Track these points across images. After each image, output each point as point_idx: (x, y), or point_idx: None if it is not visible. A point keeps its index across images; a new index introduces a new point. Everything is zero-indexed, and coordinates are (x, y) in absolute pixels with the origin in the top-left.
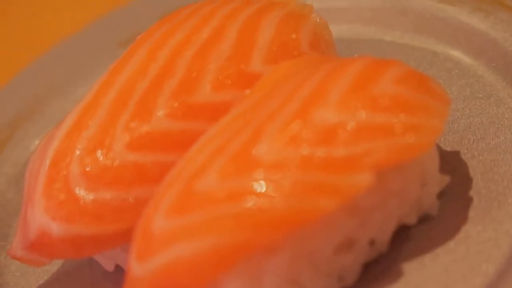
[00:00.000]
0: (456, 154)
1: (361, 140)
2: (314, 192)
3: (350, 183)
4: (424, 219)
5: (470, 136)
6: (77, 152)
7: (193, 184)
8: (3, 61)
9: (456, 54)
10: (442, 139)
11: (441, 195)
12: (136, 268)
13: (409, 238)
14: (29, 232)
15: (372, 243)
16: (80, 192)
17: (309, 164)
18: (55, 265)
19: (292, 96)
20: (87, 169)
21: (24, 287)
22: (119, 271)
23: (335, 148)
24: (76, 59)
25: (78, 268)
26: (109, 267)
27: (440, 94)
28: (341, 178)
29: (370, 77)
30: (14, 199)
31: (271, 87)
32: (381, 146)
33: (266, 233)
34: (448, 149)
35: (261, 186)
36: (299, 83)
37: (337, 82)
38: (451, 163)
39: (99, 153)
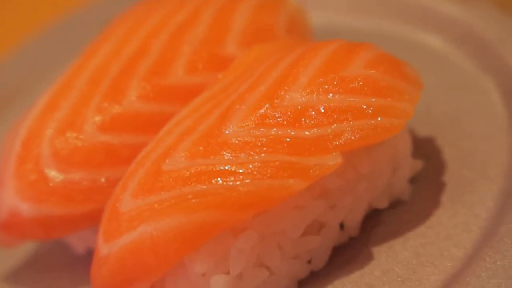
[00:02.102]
0: (430, 140)
1: (330, 122)
2: (282, 172)
3: (318, 164)
4: (396, 203)
5: (446, 123)
6: (48, 133)
7: (160, 164)
8: None
9: (434, 42)
10: (418, 125)
11: (413, 180)
12: (103, 248)
13: (380, 223)
14: (0, 213)
15: (342, 227)
16: (50, 172)
17: (277, 145)
18: (28, 248)
19: (262, 78)
20: (58, 149)
21: None
22: (91, 255)
23: (303, 129)
24: (60, 44)
25: (51, 251)
26: (81, 250)
27: (413, 78)
28: (309, 159)
29: (341, 60)
30: None
31: (243, 69)
32: (349, 127)
33: (233, 213)
34: (423, 135)
35: (228, 166)
36: (271, 65)
37: (308, 64)
38: (425, 149)
39: (70, 134)
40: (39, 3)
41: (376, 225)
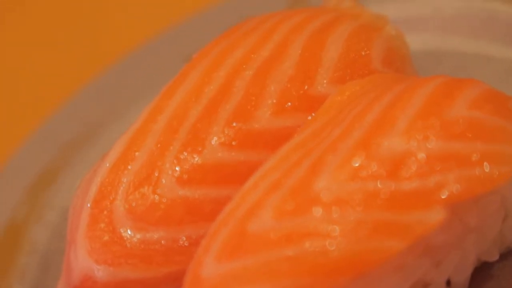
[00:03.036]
0: None
1: (432, 172)
2: (380, 232)
3: (420, 220)
4: (507, 254)
5: None
6: (123, 188)
7: (246, 225)
8: (57, 82)
9: None
10: None
11: None
12: None
13: (490, 277)
14: (72, 276)
15: (448, 283)
16: (126, 232)
17: (374, 200)
18: None
19: (356, 123)
20: (134, 206)
21: None
22: None
23: (403, 181)
24: (137, 78)
25: None
26: None
27: None
28: (410, 215)
29: (443, 101)
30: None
31: (336, 111)
32: (454, 178)
33: (327, 279)
34: None
35: (320, 226)
36: (365, 107)
37: (406, 106)
38: None
39: (146, 188)
40: (120, 32)
41: (486, 279)
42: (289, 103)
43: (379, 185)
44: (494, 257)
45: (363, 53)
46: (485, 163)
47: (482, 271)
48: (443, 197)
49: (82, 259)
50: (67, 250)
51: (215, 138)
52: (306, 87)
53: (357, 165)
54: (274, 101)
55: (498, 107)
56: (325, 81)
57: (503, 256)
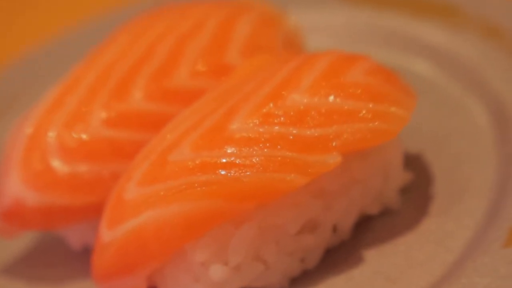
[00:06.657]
0: (419, 155)
1: (330, 123)
2: (284, 167)
3: (319, 161)
4: (385, 212)
5: (434, 139)
6: (55, 126)
7: (165, 156)
8: None
9: (422, 67)
10: (408, 141)
11: (403, 191)
12: (106, 235)
13: (370, 229)
14: (2, 201)
15: (335, 229)
16: (57, 163)
17: (280, 141)
18: (23, 242)
19: (266, 82)
20: (64, 141)
21: None
22: (87, 252)
23: (306, 128)
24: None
25: (47, 247)
26: (77, 246)
27: (407, 89)
28: (311, 156)
29: (341, 68)
30: None
31: (246, 75)
32: (349, 129)
33: (236, 203)
34: (412, 149)
35: (232, 158)
36: (273, 72)
37: (310, 69)
38: (415, 162)
39: (76, 127)
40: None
41: (366, 231)
42: (203, 68)
43: (284, 130)
44: (374, 211)
45: (267, 36)
46: (375, 120)
47: (363, 224)
48: (338, 144)
49: (14, 184)
50: None
51: (139, 91)
52: (218, 57)
53: (267, 112)
54: (191, 65)
55: (389, 78)
56: (235, 54)
57: (382, 213)
